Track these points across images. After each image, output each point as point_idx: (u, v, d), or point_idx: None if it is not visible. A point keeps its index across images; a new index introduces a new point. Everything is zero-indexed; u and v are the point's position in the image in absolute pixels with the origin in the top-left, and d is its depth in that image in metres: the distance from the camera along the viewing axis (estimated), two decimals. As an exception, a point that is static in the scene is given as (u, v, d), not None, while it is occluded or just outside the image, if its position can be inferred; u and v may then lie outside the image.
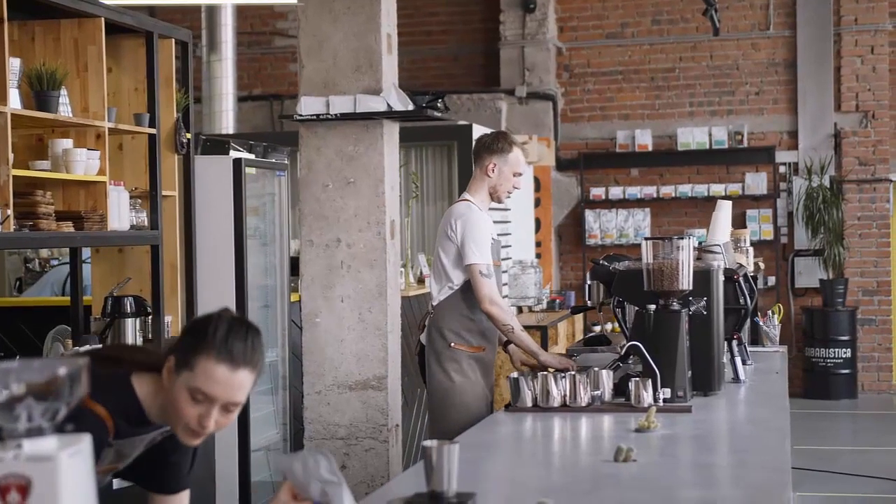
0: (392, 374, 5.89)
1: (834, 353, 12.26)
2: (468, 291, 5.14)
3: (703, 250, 5.20)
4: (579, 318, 11.20)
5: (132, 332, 5.48)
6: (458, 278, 5.17)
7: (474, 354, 5.20)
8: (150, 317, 5.61)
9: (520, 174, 5.31)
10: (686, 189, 12.78)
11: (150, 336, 5.63)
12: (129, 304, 5.48)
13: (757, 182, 12.68)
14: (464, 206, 5.22)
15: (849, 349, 12.27)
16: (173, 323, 5.86)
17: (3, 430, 1.78)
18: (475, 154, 5.35)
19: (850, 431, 11.10)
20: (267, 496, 6.72)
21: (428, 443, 2.76)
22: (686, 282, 4.45)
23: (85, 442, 1.83)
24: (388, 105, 5.77)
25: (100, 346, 4.66)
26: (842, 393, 12.25)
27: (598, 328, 12.29)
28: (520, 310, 10.47)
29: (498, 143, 5.28)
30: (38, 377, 1.79)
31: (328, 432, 5.80)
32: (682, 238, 4.47)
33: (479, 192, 5.28)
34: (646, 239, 4.53)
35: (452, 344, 5.17)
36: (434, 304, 5.27)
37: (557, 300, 11.15)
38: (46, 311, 6.39)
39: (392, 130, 6.00)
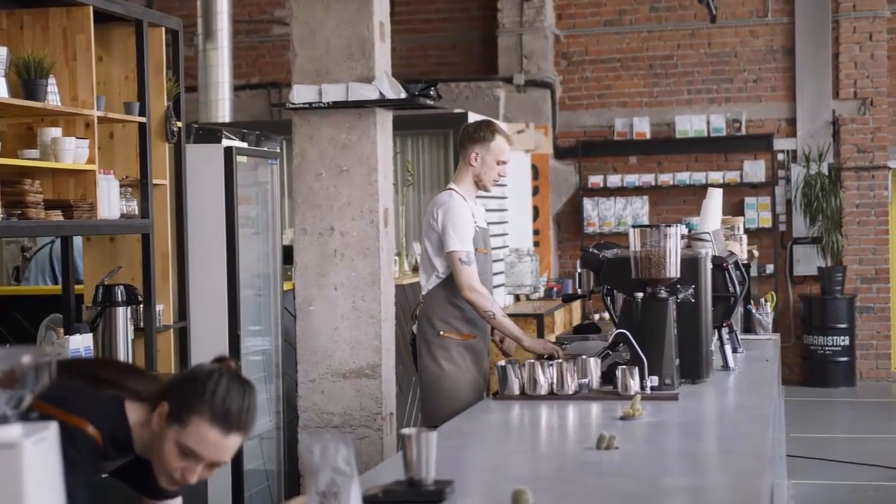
0: (386, 363, 5.90)
1: (832, 340, 12.26)
2: (454, 280, 5.18)
3: (692, 238, 5.19)
4: (577, 306, 11.20)
5: (123, 320, 5.47)
6: (443, 267, 5.21)
7: (464, 342, 5.23)
8: (141, 305, 5.62)
9: (504, 162, 5.33)
10: (684, 177, 12.77)
11: (141, 324, 5.63)
12: (120, 293, 5.47)
13: (755, 170, 12.67)
14: (445, 196, 5.27)
15: (847, 337, 12.27)
16: (164, 311, 5.87)
17: (-33, 418, 1.78)
18: (459, 143, 5.41)
19: (847, 419, 11.10)
20: (260, 485, 6.73)
21: (406, 431, 2.77)
22: (673, 269, 4.45)
23: (51, 430, 1.83)
24: (381, 93, 5.76)
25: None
26: (840, 381, 12.25)
27: (596, 316, 12.30)
28: (517, 298, 10.48)
29: (480, 131, 5.31)
30: (2, 365, 1.80)
31: (322, 420, 5.80)
32: (670, 226, 4.47)
33: (464, 181, 5.32)
34: (633, 227, 4.53)
35: (442, 332, 5.22)
36: (423, 293, 5.32)
37: (555, 288, 11.15)
38: (41, 299, 6.40)
39: (385, 119, 6.00)
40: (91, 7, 5.23)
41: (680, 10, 12.94)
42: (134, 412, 2.69)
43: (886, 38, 12.58)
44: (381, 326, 5.86)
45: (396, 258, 7.90)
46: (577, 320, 11.13)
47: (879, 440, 9.77)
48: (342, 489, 2.58)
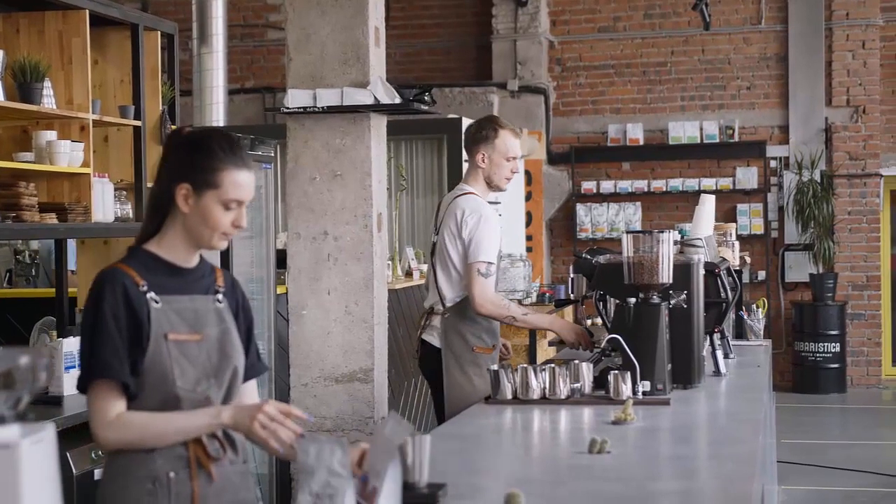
0: (378, 367, 5.91)
1: (823, 347, 12.29)
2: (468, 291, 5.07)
3: (685, 244, 5.21)
4: (569, 311, 11.22)
5: (117, 323, 5.47)
6: None
7: (489, 356, 5.14)
8: (135, 308, 5.62)
9: (513, 158, 5.17)
10: (677, 183, 12.80)
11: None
12: (113, 296, 5.47)
13: (748, 176, 12.70)
14: (474, 203, 5.10)
15: (838, 344, 12.31)
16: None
17: (-36, 418, 1.80)
18: (465, 146, 5.26)
19: (838, 425, 11.13)
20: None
21: (400, 434, 2.78)
22: (666, 275, 4.46)
23: (47, 431, 1.85)
24: (375, 98, 5.77)
25: None
26: (831, 387, 12.28)
27: (588, 322, 12.32)
28: (509, 303, 10.48)
29: (482, 130, 5.17)
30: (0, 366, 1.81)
31: (315, 425, 5.80)
32: (663, 232, 4.49)
33: (477, 183, 5.19)
34: (626, 232, 4.54)
35: (475, 348, 5.10)
36: (447, 304, 5.14)
37: (548, 294, 11.16)
38: (34, 302, 6.40)
39: (379, 123, 6.01)
40: (87, 11, 5.24)
41: (674, 17, 12.98)
42: (152, 245, 2.90)
43: (879, 46, 12.63)
44: (374, 331, 5.87)
45: (389, 263, 7.92)
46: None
47: (871, 446, 9.80)
48: (337, 491, 2.60)
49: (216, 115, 10.77)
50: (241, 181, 2.86)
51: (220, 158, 2.85)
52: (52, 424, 1.88)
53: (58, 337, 5.31)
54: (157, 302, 2.83)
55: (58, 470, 1.88)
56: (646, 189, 12.84)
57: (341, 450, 2.63)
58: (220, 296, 2.97)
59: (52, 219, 4.99)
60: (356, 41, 5.85)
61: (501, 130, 5.16)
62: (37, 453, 1.80)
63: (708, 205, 5.62)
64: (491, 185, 5.20)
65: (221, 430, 2.87)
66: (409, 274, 8.06)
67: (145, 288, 2.84)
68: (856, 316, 12.62)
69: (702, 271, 4.77)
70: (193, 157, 2.87)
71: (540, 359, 9.07)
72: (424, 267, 8.36)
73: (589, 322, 12.34)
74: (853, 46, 12.63)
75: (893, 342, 13.07)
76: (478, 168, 5.18)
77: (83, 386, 2.84)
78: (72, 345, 5.15)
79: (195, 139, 2.90)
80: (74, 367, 4.93)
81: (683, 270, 4.62)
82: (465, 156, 9.88)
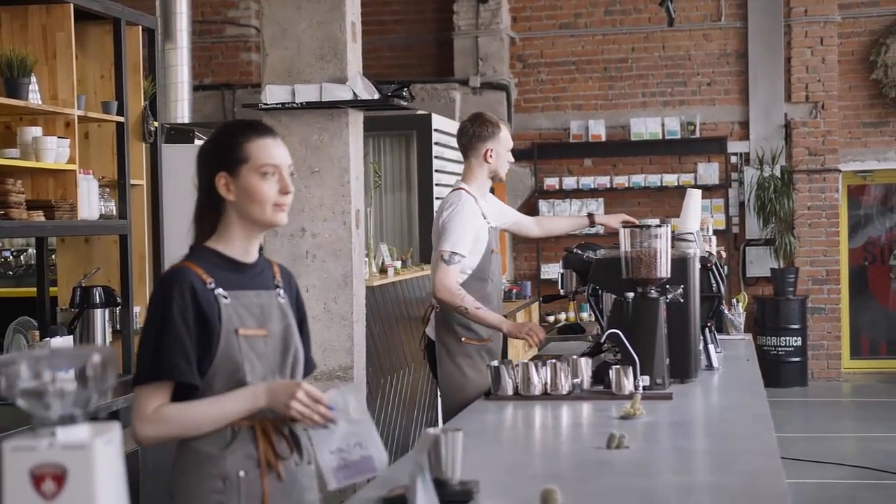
0: (357, 364, 5.88)
1: (785, 341, 12.40)
2: (472, 283, 5.09)
3: (676, 238, 5.21)
4: (535, 307, 11.25)
5: (101, 322, 5.40)
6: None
7: (484, 346, 5.15)
8: (118, 307, 5.55)
9: (510, 148, 5.37)
10: (639, 179, 12.85)
11: (118, 327, 5.56)
12: (97, 295, 5.41)
13: (709, 172, 12.78)
14: (455, 196, 5.20)
15: (799, 337, 12.42)
16: (142, 313, 5.79)
17: (35, 418, 1.75)
18: (465, 145, 5.30)
19: (801, 419, 11.22)
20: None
21: (433, 430, 2.75)
22: (664, 269, 4.46)
23: (115, 430, 1.81)
24: (354, 94, 5.74)
25: None
26: (792, 381, 12.39)
27: (552, 317, 12.35)
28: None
29: (487, 128, 5.27)
30: (71, 365, 1.77)
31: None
32: (660, 226, 4.49)
33: (477, 179, 5.26)
34: (624, 227, 4.54)
35: (463, 339, 5.15)
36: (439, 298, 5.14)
37: (514, 290, 11.18)
38: (10, 302, 6.30)
39: (357, 119, 5.99)
40: (71, 5, 5.16)
41: (634, 13, 13.03)
42: (211, 242, 2.90)
43: (837, 42, 12.76)
44: (353, 328, 5.85)
45: (365, 260, 7.87)
46: (535, 321, 11.14)
47: (836, 439, 9.91)
48: (363, 437, 2.59)
49: (181, 111, 10.69)
50: (268, 146, 2.87)
51: (240, 135, 2.88)
52: (118, 424, 1.84)
53: (41, 338, 5.22)
54: (225, 297, 2.83)
55: (125, 469, 1.84)
56: (608, 185, 12.88)
57: (354, 397, 2.63)
58: (281, 291, 2.97)
59: (39, 216, 4.90)
60: (333, 36, 5.82)
61: (501, 125, 5.33)
62: (108, 453, 1.77)
63: (695, 199, 5.64)
64: (495, 178, 5.33)
65: (287, 430, 2.86)
66: (383, 271, 8.02)
67: (213, 285, 2.83)
68: (816, 310, 12.74)
69: (697, 265, 4.78)
70: (217, 148, 2.90)
71: (511, 356, 9.07)
72: (399, 264, 8.33)
73: (551, 318, 12.40)
74: (812, 43, 12.74)
75: (852, 335, 13.22)
76: (483, 165, 5.26)
77: (140, 383, 2.82)
78: (59, 344, 5.08)
79: (213, 136, 2.94)
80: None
81: (680, 265, 4.63)
82: (436, 152, 9.86)
